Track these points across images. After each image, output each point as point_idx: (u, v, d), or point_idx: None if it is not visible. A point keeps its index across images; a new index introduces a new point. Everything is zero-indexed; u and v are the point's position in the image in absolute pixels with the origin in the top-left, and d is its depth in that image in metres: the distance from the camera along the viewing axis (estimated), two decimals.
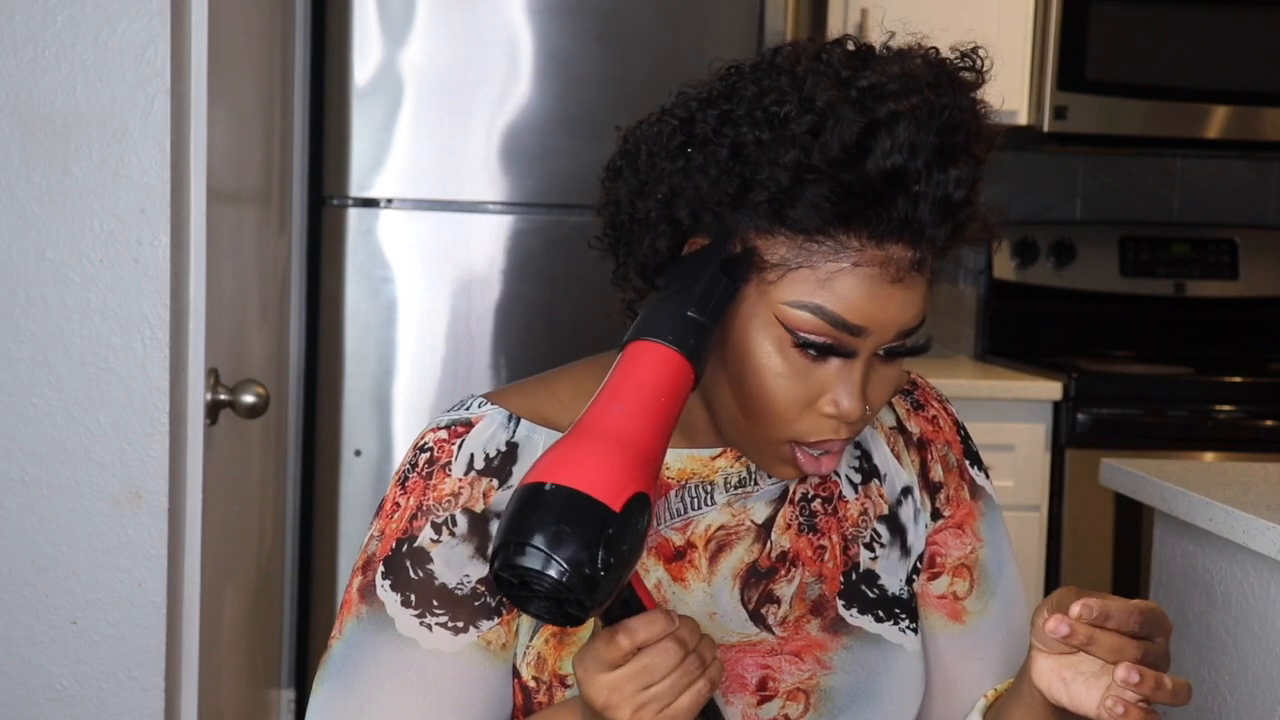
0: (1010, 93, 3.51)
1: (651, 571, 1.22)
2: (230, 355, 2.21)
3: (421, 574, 1.19)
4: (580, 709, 1.12)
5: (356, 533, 3.19)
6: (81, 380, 1.84)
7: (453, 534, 1.19)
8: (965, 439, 1.36)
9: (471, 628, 1.19)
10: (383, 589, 1.20)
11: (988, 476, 1.37)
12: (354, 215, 3.16)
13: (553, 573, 1.00)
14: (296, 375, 3.30)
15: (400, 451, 3.19)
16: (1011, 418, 3.42)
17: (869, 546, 1.29)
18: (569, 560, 1.00)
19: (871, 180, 1.08)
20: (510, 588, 1.03)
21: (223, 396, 2.03)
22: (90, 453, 1.85)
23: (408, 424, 3.20)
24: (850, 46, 1.15)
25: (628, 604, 1.07)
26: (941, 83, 1.11)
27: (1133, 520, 3.37)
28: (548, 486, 1.02)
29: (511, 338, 3.20)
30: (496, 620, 1.20)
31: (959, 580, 1.32)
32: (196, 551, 1.97)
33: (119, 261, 1.83)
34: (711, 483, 1.24)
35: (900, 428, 1.33)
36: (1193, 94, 3.64)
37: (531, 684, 1.20)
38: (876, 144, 1.07)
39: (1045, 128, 3.57)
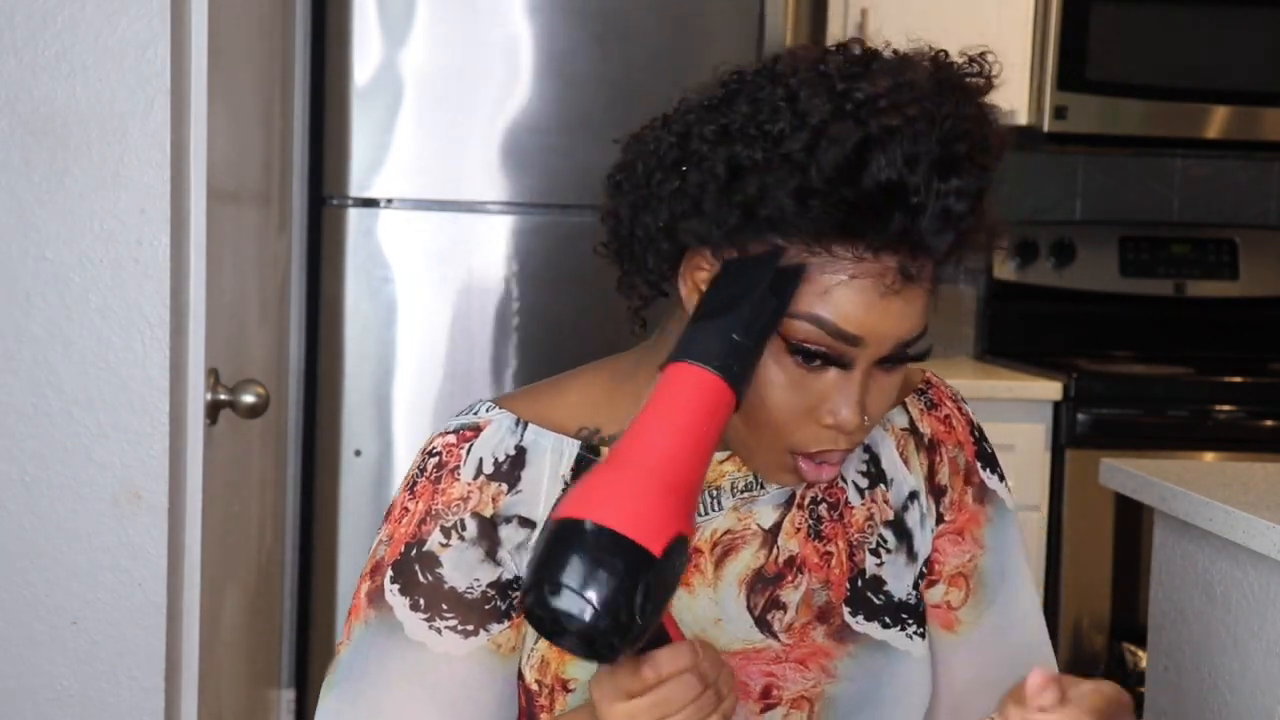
0: (1010, 93, 3.51)
1: None
2: (230, 355, 2.21)
3: (431, 578, 1.18)
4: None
5: (356, 533, 3.18)
6: (81, 380, 1.84)
7: (462, 538, 1.19)
8: (979, 440, 1.35)
9: (482, 630, 1.19)
10: (391, 593, 1.19)
11: (1003, 479, 1.34)
12: (354, 215, 3.16)
13: (587, 617, 0.96)
14: (296, 375, 3.30)
15: (400, 452, 3.19)
16: (1011, 418, 3.41)
17: (875, 552, 1.28)
18: (605, 605, 0.96)
19: (868, 195, 1.06)
20: (541, 623, 0.99)
21: (223, 396, 2.02)
22: (90, 453, 1.85)
23: (408, 424, 3.20)
24: (856, 51, 1.13)
25: (655, 635, 1.04)
26: (944, 91, 1.10)
27: (1133, 520, 3.37)
28: (588, 525, 0.98)
29: (511, 337, 3.20)
30: (507, 623, 1.19)
31: (954, 589, 1.31)
32: (196, 551, 1.97)
33: (119, 261, 1.83)
34: (718, 488, 1.24)
35: (912, 429, 1.32)
36: (1193, 94, 3.64)
37: (534, 687, 1.20)
38: (872, 159, 1.06)
39: (1045, 128, 3.57)
